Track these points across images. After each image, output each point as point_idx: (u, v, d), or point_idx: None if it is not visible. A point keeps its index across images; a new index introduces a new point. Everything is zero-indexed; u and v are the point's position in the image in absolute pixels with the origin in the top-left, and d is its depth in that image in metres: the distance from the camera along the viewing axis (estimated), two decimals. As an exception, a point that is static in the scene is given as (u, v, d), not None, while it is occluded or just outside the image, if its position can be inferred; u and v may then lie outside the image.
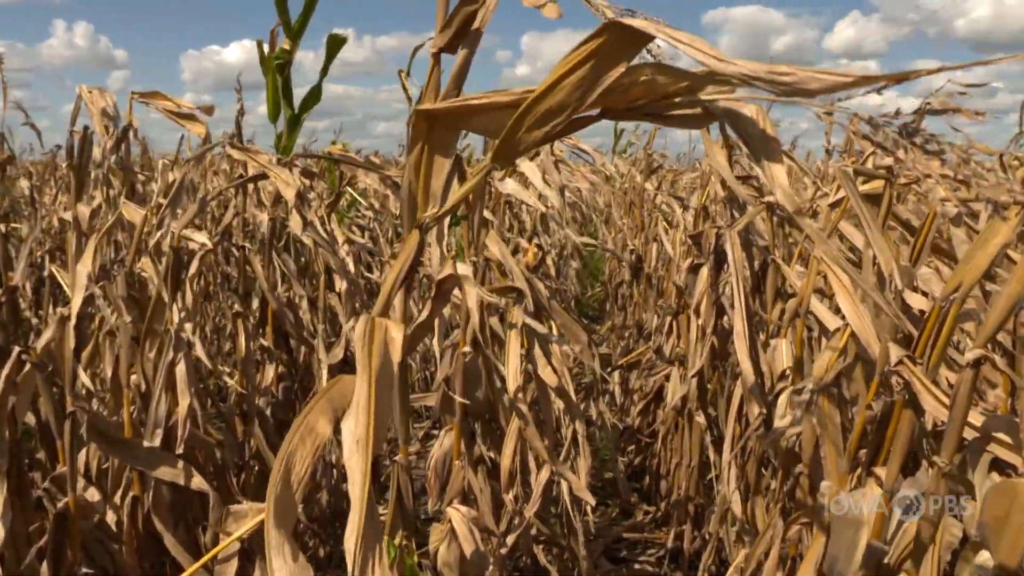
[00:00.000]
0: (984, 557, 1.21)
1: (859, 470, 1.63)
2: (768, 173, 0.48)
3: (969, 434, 1.22)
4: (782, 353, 2.05)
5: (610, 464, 3.98)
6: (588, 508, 2.76)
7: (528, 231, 2.92)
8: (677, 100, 0.55)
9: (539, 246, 2.92)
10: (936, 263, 1.91)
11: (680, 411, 3.07)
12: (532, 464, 2.13)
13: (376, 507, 0.64)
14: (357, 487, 0.61)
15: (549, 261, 3.90)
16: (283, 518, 0.62)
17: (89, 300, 1.94)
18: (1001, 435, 1.17)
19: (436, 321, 2.31)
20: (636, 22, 0.53)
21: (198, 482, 1.87)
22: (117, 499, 2.15)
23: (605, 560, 3.49)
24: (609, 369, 4.04)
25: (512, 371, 1.82)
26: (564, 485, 2.29)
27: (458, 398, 1.86)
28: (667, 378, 3.26)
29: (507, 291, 2.02)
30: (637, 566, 3.46)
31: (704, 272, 2.77)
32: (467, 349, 1.81)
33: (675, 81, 0.54)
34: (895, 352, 1.28)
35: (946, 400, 1.16)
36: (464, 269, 1.46)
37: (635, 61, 0.56)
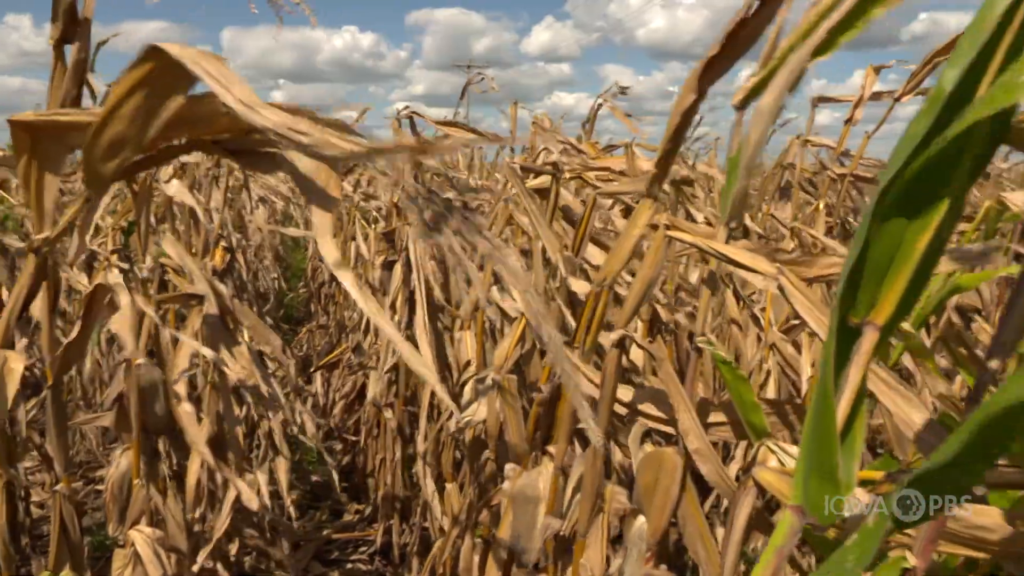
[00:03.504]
0: (641, 521, 1.32)
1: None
2: (313, 222, 0.46)
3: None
4: (467, 344, 2.12)
5: (318, 466, 3.93)
6: (291, 511, 2.70)
7: (215, 232, 2.79)
8: (257, 138, 0.51)
9: (227, 248, 2.81)
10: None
11: (381, 407, 3.08)
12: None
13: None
14: None
15: (243, 261, 3.77)
16: None
17: None
18: (649, 407, 1.27)
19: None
20: (173, 48, 0.47)
21: None
22: None
23: (316, 563, 3.44)
24: (311, 370, 3.99)
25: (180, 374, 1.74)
26: (263, 492, 2.22)
27: (133, 413, 1.75)
28: (367, 376, 3.26)
29: (187, 297, 1.93)
30: (349, 565, 3.45)
31: (398, 268, 2.80)
32: (140, 361, 1.71)
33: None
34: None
35: (597, 379, 1.25)
36: (115, 278, 1.36)
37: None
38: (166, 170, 1.95)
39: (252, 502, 1.66)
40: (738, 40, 0.95)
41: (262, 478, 1.94)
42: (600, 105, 3.25)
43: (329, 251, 0.44)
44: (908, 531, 0.54)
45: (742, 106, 0.94)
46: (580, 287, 1.66)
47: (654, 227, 1.12)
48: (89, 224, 0.79)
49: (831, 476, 0.47)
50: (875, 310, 0.42)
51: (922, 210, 0.38)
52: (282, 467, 2.34)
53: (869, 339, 0.44)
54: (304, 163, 0.46)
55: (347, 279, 0.44)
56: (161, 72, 0.49)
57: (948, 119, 0.33)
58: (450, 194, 0.46)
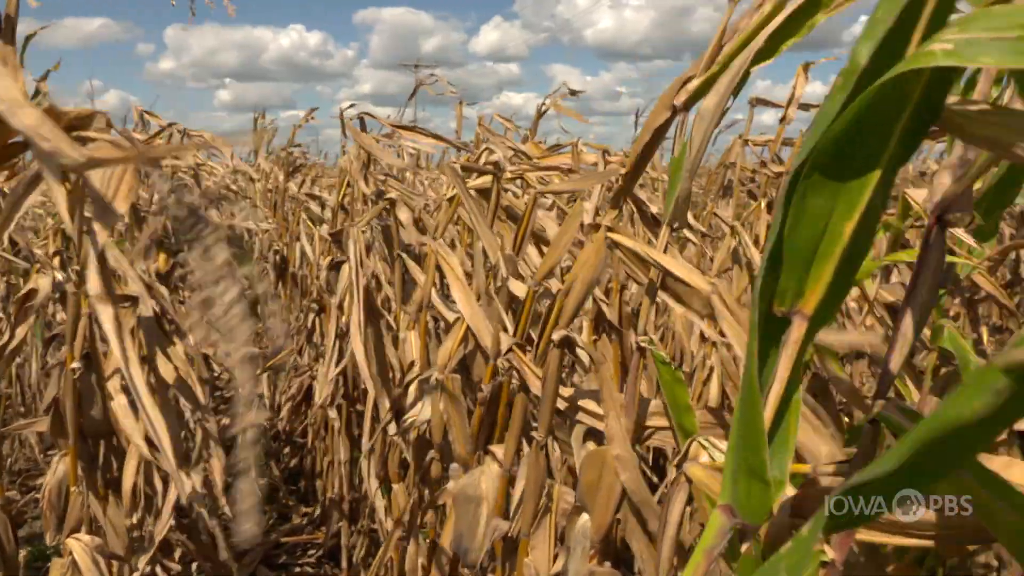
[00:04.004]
0: (584, 519, 1.33)
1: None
2: (93, 239, 0.43)
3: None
4: (412, 345, 2.11)
5: (264, 468, 3.89)
6: (228, 512, 2.67)
7: (157, 234, 2.75)
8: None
9: (170, 250, 2.77)
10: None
11: (327, 409, 3.06)
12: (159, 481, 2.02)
13: None
14: None
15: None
16: None
17: None
18: (589, 404, 1.28)
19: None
20: None
21: None
22: None
23: (264, 567, 3.41)
24: (258, 372, 3.94)
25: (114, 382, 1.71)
26: (198, 493, 2.19)
27: (69, 418, 1.71)
28: (313, 378, 3.24)
29: (122, 299, 1.90)
30: (297, 569, 3.42)
31: (346, 269, 2.78)
32: (76, 365, 1.67)
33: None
34: (505, 340, 1.37)
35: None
36: (45, 282, 1.33)
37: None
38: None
39: (184, 493, 1.64)
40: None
41: (197, 479, 1.91)
42: (546, 107, 3.27)
43: (92, 281, 0.41)
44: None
45: (685, 108, 0.96)
46: (519, 288, 1.66)
47: (595, 228, 1.12)
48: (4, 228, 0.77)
49: (760, 475, 0.46)
50: (803, 299, 0.40)
51: (847, 188, 0.37)
52: (216, 468, 2.30)
53: (797, 329, 0.42)
54: (99, 173, 0.42)
55: (106, 315, 0.41)
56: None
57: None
58: (197, 201, 0.43)
